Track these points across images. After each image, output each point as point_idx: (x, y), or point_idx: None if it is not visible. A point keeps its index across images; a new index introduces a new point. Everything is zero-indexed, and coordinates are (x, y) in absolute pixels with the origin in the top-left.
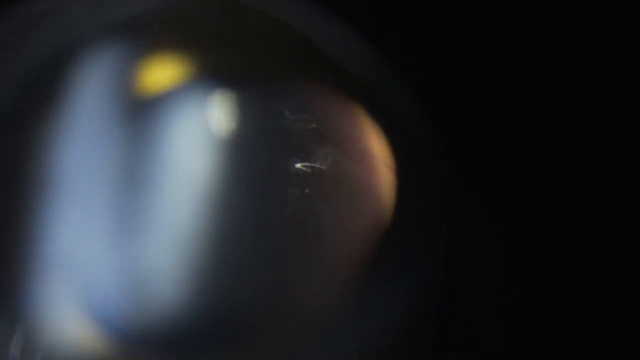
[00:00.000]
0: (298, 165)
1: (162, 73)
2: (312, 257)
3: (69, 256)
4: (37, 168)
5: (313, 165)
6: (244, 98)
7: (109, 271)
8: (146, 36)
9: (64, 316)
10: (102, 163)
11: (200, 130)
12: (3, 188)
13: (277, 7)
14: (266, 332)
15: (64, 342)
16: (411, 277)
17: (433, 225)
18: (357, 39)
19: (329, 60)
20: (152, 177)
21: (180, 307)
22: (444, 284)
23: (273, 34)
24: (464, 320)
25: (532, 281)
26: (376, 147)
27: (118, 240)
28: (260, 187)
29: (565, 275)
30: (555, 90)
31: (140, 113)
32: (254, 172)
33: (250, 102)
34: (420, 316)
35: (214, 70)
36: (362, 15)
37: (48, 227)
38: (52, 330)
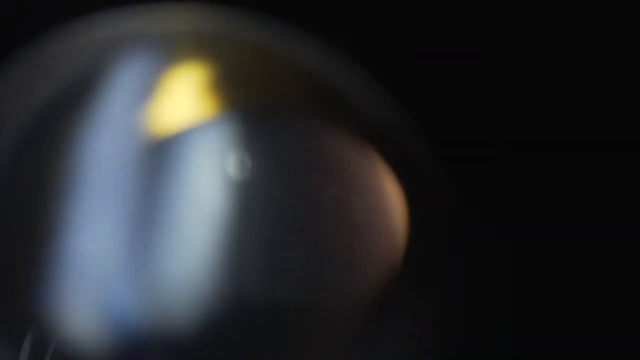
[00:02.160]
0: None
1: (182, 109)
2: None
3: (86, 260)
4: (58, 171)
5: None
6: (259, 136)
7: (127, 277)
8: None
9: (78, 319)
10: (123, 175)
11: (216, 163)
12: (24, 190)
13: (291, 47)
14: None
15: (77, 345)
16: (425, 320)
17: (447, 265)
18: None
19: (343, 100)
20: (172, 192)
21: (198, 315)
22: (459, 325)
23: (288, 73)
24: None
25: (550, 318)
26: (388, 188)
27: (137, 246)
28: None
29: (586, 317)
30: (572, 133)
31: (161, 145)
32: (266, 208)
33: (265, 139)
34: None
35: (231, 107)
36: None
37: (67, 231)
38: (65, 333)
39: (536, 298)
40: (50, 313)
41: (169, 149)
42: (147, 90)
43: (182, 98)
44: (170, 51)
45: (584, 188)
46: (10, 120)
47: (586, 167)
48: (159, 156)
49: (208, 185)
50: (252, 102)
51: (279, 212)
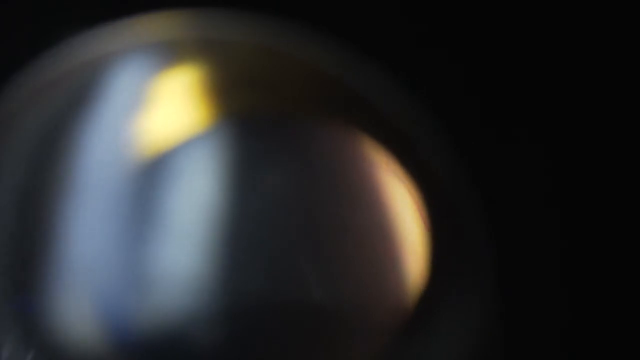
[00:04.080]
0: (323, 212)
1: (185, 115)
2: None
3: (81, 260)
4: (55, 173)
5: (341, 212)
6: (268, 138)
7: (122, 275)
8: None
9: (75, 318)
10: (119, 175)
11: (218, 166)
12: (21, 192)
13: (304, 49)
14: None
15: (73, 344)
16: (450, 340)
17: (473, 280)
18: (386, 79)
19: (359, 101)
20: (169, 190)
21: (194, 312)
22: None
23: (299, 75)
24: None
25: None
26: (408, 198)
27: (132, 244)
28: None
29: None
30: (595, 131)
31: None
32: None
33: (275, 142)
34: None
35: (243, 112)
36: (390, 54)
37: (63, 231)
38: (62, 332)
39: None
40: (47, 314)
41: (169, 155)
42: (148, 98)
43: (187, 103)
44: (172, 57)
45: (610, 187)
46: (13, 133)
47: (610, 166)
48: (160, 163)
49: (209, 187)
50: (262, 105)
51: (289, 215)
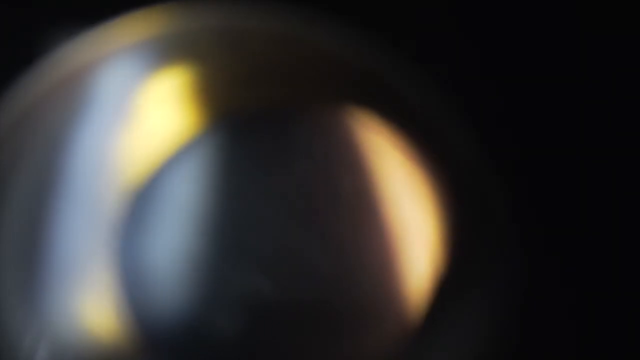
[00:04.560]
0: (336, 198)
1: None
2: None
3: (94, 258)
4: (51, 171)
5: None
6: (287, 127)
7: (125, 270)
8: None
9: (74, 314)
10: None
11: (226, 165)
12: (21, 193)
13: (329, 38)
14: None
15: (73, 339)
16: (472, 321)
17: (494, 270)
18: (421, 75)
19: (379, 89)
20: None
21: (189, 308)
22: (509, 326)
23: (313, 62)
24: None
25: (606, 326)
26: (425, 182)
27: (133, 240)
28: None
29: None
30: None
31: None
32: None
33: (298, 132)
34: None
35: (251, 103)
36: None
37: (56, 228)
38: (61, 327)
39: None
40: (51, 312)
41: (170, 154)
42: (144, 97)
43: (184, 101)
44: (177, 50)
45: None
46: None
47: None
48: (162, 163)
49: (212, 187)
50: (273, 96)
51: (302, 209)
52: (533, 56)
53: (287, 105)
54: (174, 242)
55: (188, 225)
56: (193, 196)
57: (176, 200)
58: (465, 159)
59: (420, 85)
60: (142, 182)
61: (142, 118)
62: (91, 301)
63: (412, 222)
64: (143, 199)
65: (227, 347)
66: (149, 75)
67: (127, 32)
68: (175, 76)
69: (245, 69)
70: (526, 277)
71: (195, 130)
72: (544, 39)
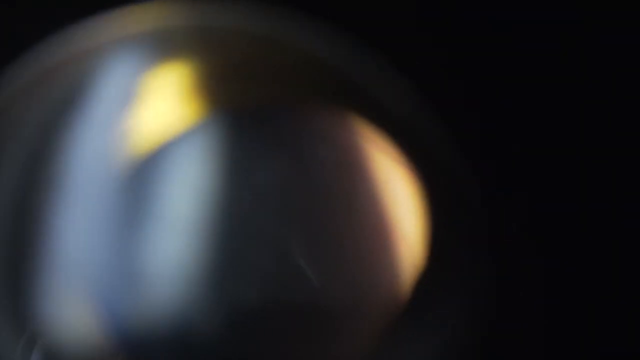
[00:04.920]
0: (320, 197)
1: (180, 106)
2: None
3: (75, 258)
4: (47, 172)
5: (338, 197)
6: (265, 128)
7: (119, 272)
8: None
9: (70, 317)
10: (112, 171)
11: (215, 154)
12: (13, 193)
13: (299, 36)
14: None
15: (69, 342)
16: (448, 321)
17: (471, 262)
18: (385, 66)
19: (357, 89)
20: (163, 183)
21: (189, 309)
22: (487, 321)
23: (295, 63)
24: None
25: (578, 317)
26: (404, 181)
27: (127, 242)
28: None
29: (617, 308)
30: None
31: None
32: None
33: (274, 132)
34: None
35: (239, 101)
36: (388, 42)
37: (55, 230)
38: (58, 331)
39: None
40: (43, 313)
41: (163, 147)
42: (141, 90)
43: (180, 95)
44: (167, 47)
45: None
46: (9, 129)
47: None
48: (153, 156)
49: (205, 184)
50: (257, 94)
51: (285, 207)
52: (508, 55)
53: (274, 104)
54: (160, 238)
55: (175, 223)
56: (180, 190)
57: (159, 198)
58: (441, 158)
59: (398, 87)
60: (130, 175)
61: (136, 109)
62: (78, 304)
63: (393, 220)
64: (130, 193)
65: (210, 352)
66: (143, 69)
67: (125, 24)
68: (167, 72)
69: (232, 68)
70: (502, 274)
71: (186, 125)
72: (518, 37)
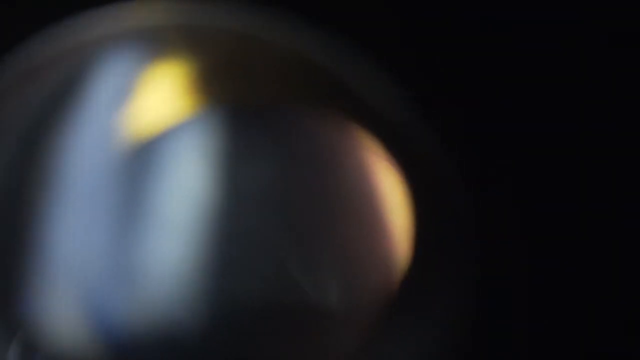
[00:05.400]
0: (307, 196)
1: (170, 104)
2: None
3: (69, 260)
4: (39, 172)
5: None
6: (251, 127)
7: (111, 270)
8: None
9: (64, 319)
10: (104, 168)
11: (206, 153)
12: (5, 189)
13: (288, 38)
14: (271, 336)
15: (60, 342)
16: (435, 319)
17: (458, 262)
18: (374, 69)
19: (345, 89)
20: (155, 182)
21: (184, 311)
22: (471, 322)
23: (283, 64)
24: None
25: (563, 318)
26: (391, 181)
27: (120, 242)
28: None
29: (601, 309)
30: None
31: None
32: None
33: (259, 132)
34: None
35: (230, 99)
36: (379, 45)
37: (49, 231)
38: (49, 330)
39: (550, 287)
40: (37, 314)
41: (154, 146)
42: (134, 87)
43: (172, 93)
44: (159, 45)
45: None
46: (2, 124)
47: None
48: (145, 154)
49: (197, 182)
50: (248, 93)
51: (275, 205)
52: (502, 54)
53: (264, 103)
54: (153, 239)
55: (167, 225)
56: (173, 189)
57: (152, 196)
58: (429, 157)
59: (387, 87)
60: (123, 171)
61: (129, 106)
62: (68, 303)
63: (381, 220)
64: (122, 190)
65: (201, 351)
66: (140, 63)
67: (119, 21)
68: (159, 69)
69: (222, 66)
70: (491, 273)
71: (178, 122)
72: (510, 37)
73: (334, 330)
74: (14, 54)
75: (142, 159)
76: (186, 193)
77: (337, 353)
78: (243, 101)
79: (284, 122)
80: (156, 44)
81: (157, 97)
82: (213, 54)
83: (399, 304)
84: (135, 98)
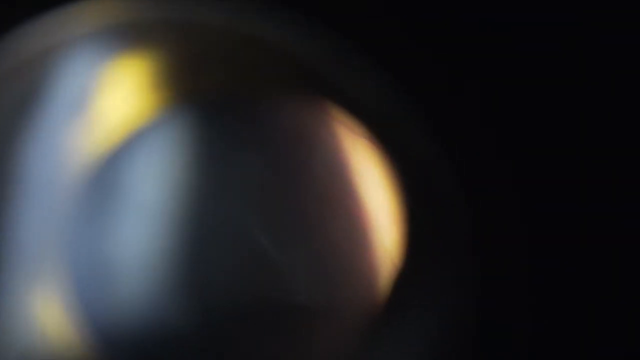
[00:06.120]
0: (294, 192)
1: (141, 99)
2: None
3: (45, 253)
4: (11, 168)
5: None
6: (231, 119)
7: (86, 266)
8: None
9: (41, 312)
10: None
11: (181, 146)
12: None
13: (280, 33)
14: (254, 334)
15: (41, 338)
16: (433, 319)
17: (450, 261)
18: (364, 63)
19: (328, 82)
20: (131, 176)
21: (161, 303)
22: (468, 325)
23: (264, 55)
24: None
25: (563, 321)
26: (381, 175)
27: (95, 235)
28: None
29: (602, 309)
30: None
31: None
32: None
33: (241, 123)
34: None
35: (202, 93)
36: (370, 38)
37: (23, 223)
38: (29, 327)
39: (550, 288)
40: (14, 309)
41: (127, 142)
42: (99, 85)
43: (145, 87)
44: (129, 41)
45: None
46: None
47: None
48: (118, 150)
49: (174, 176)
50: (225, 85)
51: (259, 203)
52: (500, 53)
53: (240, 96)
54: (130, 234)
55: (145, 217)
56: (148, 185)
57: (130, 189)
58: (425, 154)
59: (379, 81)
60: (96, 170)
61: (97, 104)
62: (44, 299)
63: (371, 217)
64: (97, 188)
65: (183, 347)
66: (104, 62)
67: (85, 18)
68: (128, 65)
69: (194, 61)
70: (481, 271)
71: (151, 117)
72: (507, 36)
73: (324, 330)
74: None
75: (115, 156)
76: (164, 187)
77: (327, 353)
78: (218, 93)
79: (265, 113)
80: (123, 40)
81: (128, 92)
82: (185, 47)
83: (393, 304)
84: (103, 95)
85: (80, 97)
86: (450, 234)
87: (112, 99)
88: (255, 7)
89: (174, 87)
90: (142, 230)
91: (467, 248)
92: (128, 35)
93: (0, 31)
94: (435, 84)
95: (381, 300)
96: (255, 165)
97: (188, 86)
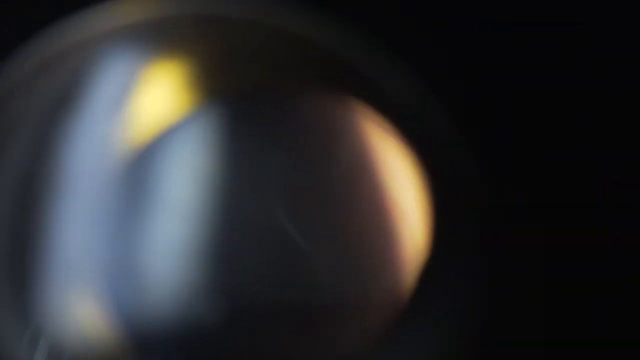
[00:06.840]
0: (322, 189)
1: (177, 97)
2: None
3: (77, 252)
4: (47, 167)
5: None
6: (259, 114)
7: (118, 265)
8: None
9: (73, 311)
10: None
11: (212, 144)
12: (15, 190)
13: (300, 25)
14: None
15: (73, 337)
16: (450, 314)
17: (472, 258)
18: (390, 57)
19: (355, 77)
20: (161, 176)
21: (190, 301)
22: (485, 318)
23: (295, 51)
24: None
25: (576, 317)
26: (408, 172)
27: (126, 233)
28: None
29: (613, 310)
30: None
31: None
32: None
33: (269, 117)
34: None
35: (237, 89)
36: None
37: (57, 224)
38: (61, 325)
39: (564, 287)
40: (47, 308)
41: (159, 141)
42: (137, 83)
43: (176, 86)
44: (166, 37)
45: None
46: (7, 123)
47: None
48: (150, 149)
49: (204, 174)
50: (259, 80)
51: (287, 201)
52: (506, 45)
53: (273, 92)
54: (161, 232)
55: (175, 213)
56: (179, 181)
57: (162, 186)
58: (446, 150)
59: (403, 76)
60: (129, 166)
61: (134, 100)
62: (81, 299)
63: (396, 215)
64: (129, 184)
65: (211, 344)
66: (140, 59)
67: (121, 15)
68: (164, 62)
69: (229, 56)
70: (502, 272)
71: (185, 114)
72: (515, 30)
73: (347, 329)
74: (16, 55)
75: (147, 153)
76: (195, 183)
77: (349, 351)
78: (247, 89)
79: (293, 109)
80: (160, 36)
81: (164, 89)
82: (220, 43)
83: (413, 303)
84: (140, 92)
85: (118, 94)
86: (471, 232)
87: (148, 96)
88: (283, 4)
89: (206, 84)
90: (173, 228)
91: (483, 245)
92: (162, 32)
93: (40, 27)
94: (459, 80)
95: (405, 297)
96: (284, 162)
97: (219, 83)
